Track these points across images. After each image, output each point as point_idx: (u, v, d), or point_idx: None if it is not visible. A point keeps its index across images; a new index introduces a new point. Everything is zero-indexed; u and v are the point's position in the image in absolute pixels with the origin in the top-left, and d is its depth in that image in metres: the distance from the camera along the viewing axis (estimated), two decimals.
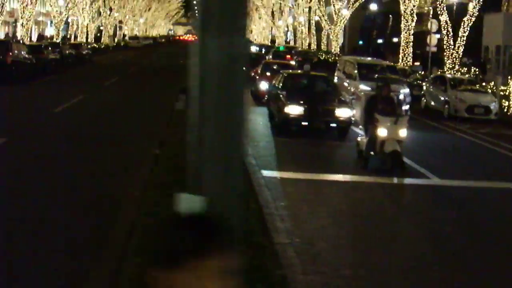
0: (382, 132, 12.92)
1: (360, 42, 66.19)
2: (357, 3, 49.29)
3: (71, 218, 8.47)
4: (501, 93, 25.44)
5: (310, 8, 62.41)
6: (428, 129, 20.59)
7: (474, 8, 31.64)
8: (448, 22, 32.72)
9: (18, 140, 14.11)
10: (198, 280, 1.99)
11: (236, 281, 2.08)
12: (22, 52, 30.00)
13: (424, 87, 27.06)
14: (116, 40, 79.58)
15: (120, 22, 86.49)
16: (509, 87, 25.39)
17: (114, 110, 20.40)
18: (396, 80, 22.09)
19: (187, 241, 2.04)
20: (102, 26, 71.10)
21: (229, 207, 2.46)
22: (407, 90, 22.96)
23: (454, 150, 17.26)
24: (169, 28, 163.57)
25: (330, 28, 53.35)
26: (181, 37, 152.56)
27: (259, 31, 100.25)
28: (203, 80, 2.40)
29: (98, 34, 70.21)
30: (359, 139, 14.26)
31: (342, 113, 16.88)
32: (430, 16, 38.09)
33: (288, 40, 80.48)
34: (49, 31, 59.52)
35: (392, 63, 31.66)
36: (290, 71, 22.87)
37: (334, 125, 16.92)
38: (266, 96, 21.16)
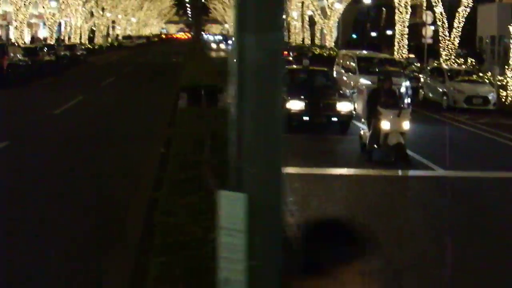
0: (385, 125, 12.95)
1: (354, 36, 66.18)
2: None
3: (83, 219, 8.49)
4: (498, 83, 25.50)
5: (303, 3, 62.36)
6: (428, 121, 20.61)
7: None
8: (443, 13, 32.73)
9: (20, 143, 14.09)
10: (343, 286, 2.01)
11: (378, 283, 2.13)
12: (18, 55, 29.89)
13: (422, 79, 27.07)
14: (110, 40, 79.33)
15: (113, 22, 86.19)
16: (506, 77, 25.45)
17: (114, 110, 20.34)
18: (396, 72, 22.08)
19: (327, 247, 2.05)
20: (94, 26, 70.83)
21: (270, 206, 2.47)
22: (408, 83, 22.97)
23: (455, 141, 17.29)
24: (161, 27, 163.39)
25: (324, 23, 53.31)
26: (173, 36, 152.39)
27: None
28: (242, 78, 2.41)
29: (91, 35, 69.96)
30: (362, 132, 14.27)
31: (343, 107, 16.89)
32: (424, 8, 38.09)
33: None
34: (42, 33, 59.27)
35: (390, 56, 31.64)
36: (291, 66, 22.81)
37: (335, 119, 16.93)
38: None
